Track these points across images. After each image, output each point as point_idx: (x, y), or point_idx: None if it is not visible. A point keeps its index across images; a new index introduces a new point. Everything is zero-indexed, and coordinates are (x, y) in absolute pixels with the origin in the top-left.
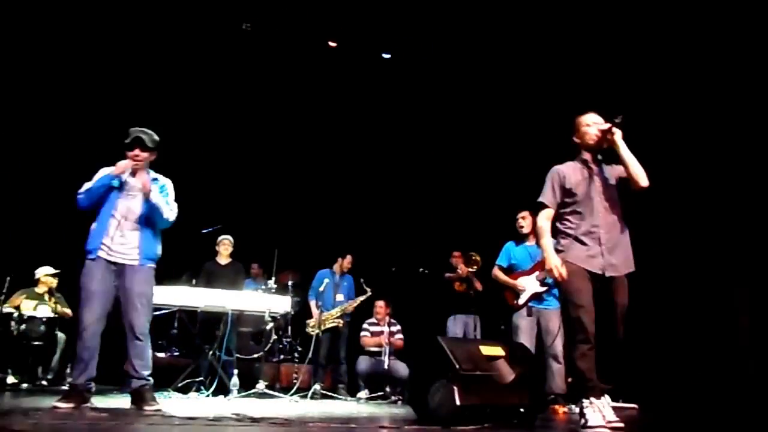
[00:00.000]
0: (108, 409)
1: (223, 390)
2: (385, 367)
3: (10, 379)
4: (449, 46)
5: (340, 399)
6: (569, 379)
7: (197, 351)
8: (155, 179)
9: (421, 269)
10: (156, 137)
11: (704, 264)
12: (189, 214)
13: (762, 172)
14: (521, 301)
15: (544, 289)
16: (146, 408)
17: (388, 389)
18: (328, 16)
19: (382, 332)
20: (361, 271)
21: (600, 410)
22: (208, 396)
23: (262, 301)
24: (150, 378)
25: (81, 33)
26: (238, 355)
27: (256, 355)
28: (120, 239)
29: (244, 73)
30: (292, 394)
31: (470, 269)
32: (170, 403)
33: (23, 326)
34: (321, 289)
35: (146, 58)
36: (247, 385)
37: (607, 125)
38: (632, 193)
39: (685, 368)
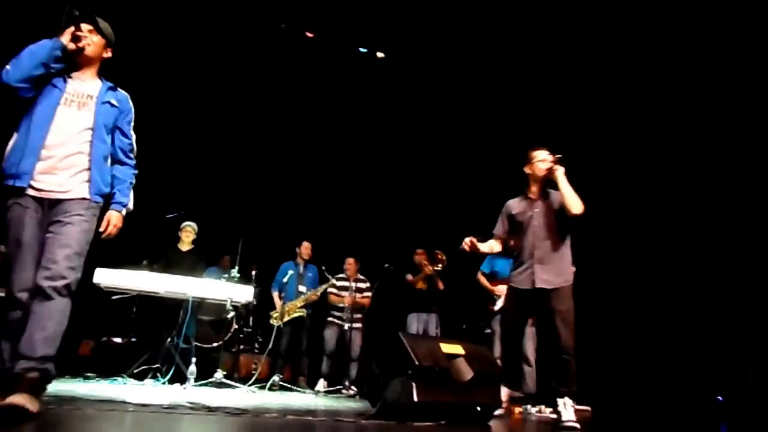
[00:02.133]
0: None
1: (179, 378)
2: (346, 329)
3: None
4: (418, 47)
5: (298, 391)
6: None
7: (155, 337)
8: (112, 88)
9: (386, 265)
10: (111, 32)
11: (663, 276)
12: (153, 200)
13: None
14: (496, 306)
15: None
16: (15, 402)
17: (346, 383)
18: (305, 6)
19: (348, 288)
20: (326, 263)
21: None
22: (164, 383)
23: (225, 289)
24: (49, 366)
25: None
26: (196, 343)
27: (215, 344)
28: (57, 164)
29: (213, 60)
30: (250, 385)
31: (435, 267)
32: (125, 389)
33: None
34: (284, 280)
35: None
36: (204, 374)
37: (552, 158)
38: (570, 218)
39: (638, 373)
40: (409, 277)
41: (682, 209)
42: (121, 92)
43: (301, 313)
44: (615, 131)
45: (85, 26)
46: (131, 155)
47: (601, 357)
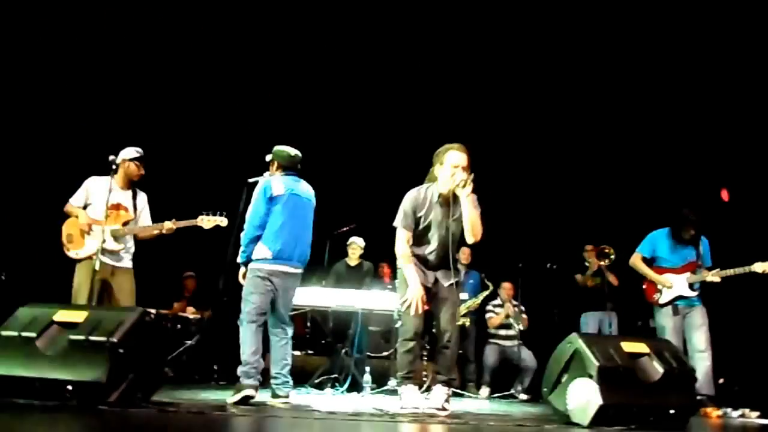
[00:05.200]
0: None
1: (356, 387)
2: (510, 346)
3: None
4: None
5: (470, 397)
6: (720, 380)
7: (330, 349)
8: None
9: (548, 264)
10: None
11: None
12: (323, 215)
13: None
14: (664, 299)
15: (693, 294)
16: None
17: (519, 387)
18: None
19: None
20: (486, 266)
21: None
22: (342, 392)
23: (391, 300)
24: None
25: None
26: (369, 353)
27: (386, 353)
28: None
29: (358, 73)
30: (422, 392)
31: (602, 263)
32: (310, 398)
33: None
34: None
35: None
36: (379, 382)
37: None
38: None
39: None
40: (579, 276)
41: None
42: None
43: (464, 321)
44: None
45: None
46: None
47: None
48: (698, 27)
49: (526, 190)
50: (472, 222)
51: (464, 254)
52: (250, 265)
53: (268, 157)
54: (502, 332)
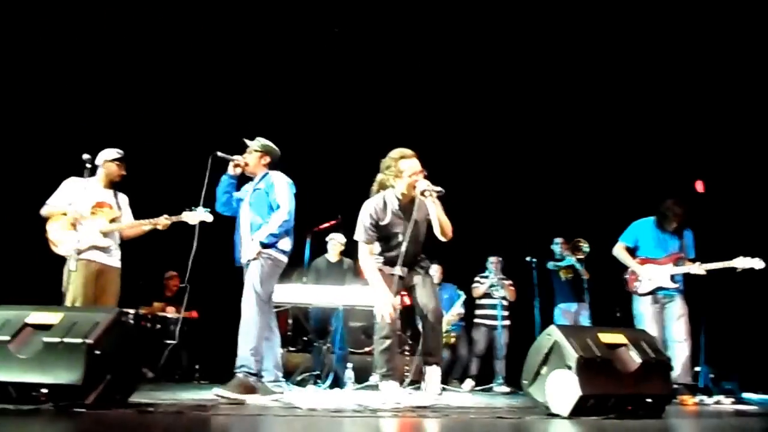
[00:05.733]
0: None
1: (338, 383)
2: (496, 325)
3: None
4: None
5: (453, 390)
6: (696, 368)
7: (311, 346)
8: (266, 175)
9: (527, 258)
10: (261, 144)
11: None
12: (300, 211)
13: None
14: (644, 289)
15: (674, 285)
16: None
17: (500, 379)
18: None
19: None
20: (461, 262)
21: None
22: (324, 389)
23: (371, 296)
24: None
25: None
26: (350, 349)
27: (367, 349)
28: (243, 242)
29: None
30: (405, 387)
31: (577, 256)
32: (292, 395)
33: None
34: None
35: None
36: (360, 378)
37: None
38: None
39: None
40: (551, 264)
41: None
42: (270, 176)
43: (448, 340)
44: None
45: (239, 157)
46: (276, 212)
47: None
48: (672, 19)
49: (500, 185)
50: (441, 223)
51: (437, 272)
52: (274, 253)
53: (255, 145)
54: (485, 301)
